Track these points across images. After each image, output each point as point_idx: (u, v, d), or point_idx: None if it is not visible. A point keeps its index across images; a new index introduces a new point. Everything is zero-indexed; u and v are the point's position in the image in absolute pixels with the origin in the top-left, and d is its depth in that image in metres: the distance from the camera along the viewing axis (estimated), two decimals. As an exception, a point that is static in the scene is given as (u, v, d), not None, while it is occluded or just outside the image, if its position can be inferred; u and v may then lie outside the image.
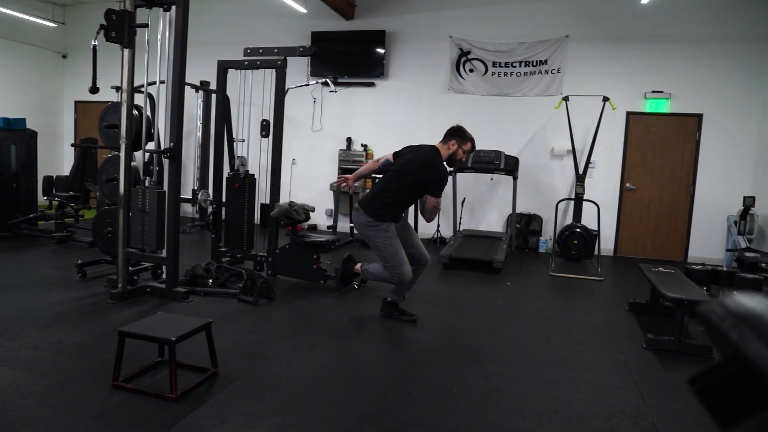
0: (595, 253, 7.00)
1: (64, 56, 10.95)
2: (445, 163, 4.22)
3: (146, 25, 4.59)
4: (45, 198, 7.38)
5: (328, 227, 8.10)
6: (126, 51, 4.44)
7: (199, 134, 8.84)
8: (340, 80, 8.70)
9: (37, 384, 2.92)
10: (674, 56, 7.70)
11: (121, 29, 4.31)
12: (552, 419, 2.80)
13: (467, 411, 2.85)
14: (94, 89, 4.29)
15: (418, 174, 4.09)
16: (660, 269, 4.80)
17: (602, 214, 6.96)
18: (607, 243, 7.88)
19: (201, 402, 2.80)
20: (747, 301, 0.55)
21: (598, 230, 6.91)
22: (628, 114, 7.94)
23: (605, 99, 7.34)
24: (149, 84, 5.54)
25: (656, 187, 7.94)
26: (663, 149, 7.88)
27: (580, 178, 7.40)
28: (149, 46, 4.76)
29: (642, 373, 3.50)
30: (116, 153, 5.39)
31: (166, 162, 4.91)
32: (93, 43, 4.25)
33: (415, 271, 4.30)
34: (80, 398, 2.79)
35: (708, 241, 7.76)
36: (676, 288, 4.05)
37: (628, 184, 8.03)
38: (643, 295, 5.29)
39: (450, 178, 7.95)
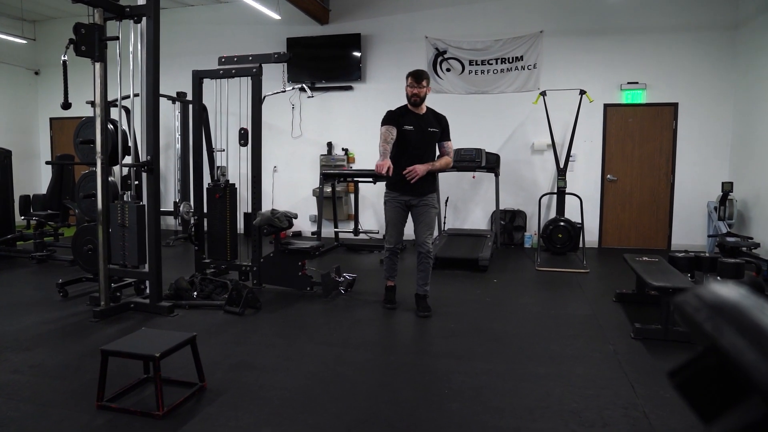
0: (580, 245, 7.04)
1: (36, 73, 10.80)
2: (410, 105, 4.48)
3: (117, 38, 4.53)
4: (22, 218, 7.24)
5: (313, 233, 8.05)
6: (98, 65, 4.38)
7: (178, 146, 8.75)
8: (317, 85, 8.67)
9: (17, 409, 2.85)
10: (647, 47, 7.79)
11: (91, 43, 4.24)
12: (544, 414, 2.79)
13: (458, 412, 2.84)
14: (66, 105, 4.22)
15: None
16: (644, 258, 4.84)
17: (585, 207, 7.01)
18: (591, 235, 7.92)
19: (189, 417, 2.76)
20: (721, 290, 0.54)
21: (582, 223, 6.94)
22: (606, 106, 8.01)
23: (582, 92, 7.40)
24: (124, 97, 5.45)
25: (637, 177, 8.01)
26: (641, 139, 7.96)
27: (561, 172, 7.44)
28: (121, 59, 4.69)
29: (631, 363, 3.51)
30: (93, 169, 5.31)
31: (144, 175, 4.86)
32: (63, 58, 4.18)
33: (419, 260, 4.58)
34: (64, 421, 2.73)
35: (690, 228, 7.85)
36: (661, 276, 4.08)
37: (609, 176, 8.09)
38: (629, 285, 5.32)
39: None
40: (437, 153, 4.63)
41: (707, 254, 4.93)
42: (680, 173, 7.85)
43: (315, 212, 8.74)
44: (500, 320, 4.54)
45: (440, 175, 7.89)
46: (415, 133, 4.38)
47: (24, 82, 10.63)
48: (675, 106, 7.79)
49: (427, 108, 4.54)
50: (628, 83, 7.86)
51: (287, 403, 2.94)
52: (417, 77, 4.37)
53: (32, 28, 10.53)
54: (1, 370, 3.37)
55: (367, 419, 2.77)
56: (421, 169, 4.29)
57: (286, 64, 8.37)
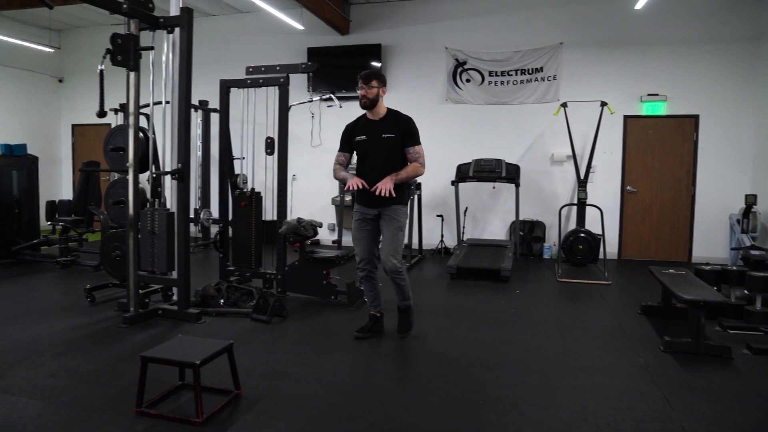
0: (601, 257, 7.03)
1: (60, 80, 10.96)
2: (366, 112, 4.14)
3: (152, 48, 4.60)
4: (48, 223, 7.34)
5: (333, 242, 8.08)
6: (132, 74, 4.45)
7: (199, 153, 8.83)
8: (337, 95, 8.72)
9: (59, 414, 2.89)
10: (668, 59, 7.79)
11: (126, 53, 4.31)
12: (581, 427, 2.79)
13: (496, 423, 2.84)
14: (101, 113, 4.28)
15: None
16: (670, 271, 4.82)
17: (605, 218, 6.99)
18: (611, 247, 7.89)
19: (228, 425, 2.78)
20: None
21: (603, 234, 6.93)
22: (626, 117, 8.00)
23: (603, 104, 7.40)
24: (145, 106, 5.51)
25: (657, 188, 7.99)
26: (661, 151, 7.94)
27: (581, 183, 7.43)
28: (154, 68, 4.77)
29: (663, 377, 3.50)
30: (122, 176, 5.39)
31: (168, 182, 4.92)
32: (100, 67, 4.24)
33: (389, 277, 4.16)
34: (105, 427, 2.76)
35: (711, 241, 7.80)
36: (690, 289, 4.07)
37: (628, 187, 8.07)
38: (653, 297, 5.31)
39: (452, 188, 8.00)
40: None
41: (734, 267, 4.91)
42: (701, 185, 7.81)
43: (333, 221, 8.79)
44: (527, 331, 4.53)
45: (460, 185, 7.94)
46: (368, 142, 4.01)
47: (48, 89, 10.79)
48: (696, 118, 7.77)
49: (389, 111, 4.09)
50: (649, 95, 7.85)
51: (323, 412, 2.96)
52: (364, 77, 3.97)
53: (57, 37, 10.71)
54: (39, 374, 3.42)
55: (404, 429, 2.78)
56: (386, 185, 3.80)
57: (310, 74, 8.44)
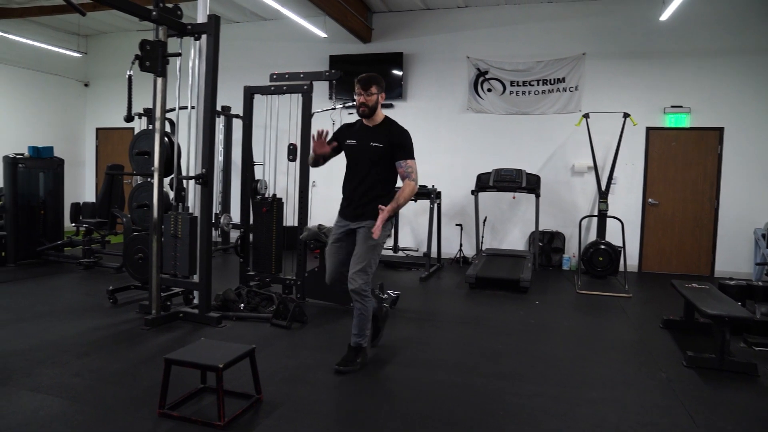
0: (621, 269, 6.96)
1: (86, 84, 11.17)
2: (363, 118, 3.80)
3: (179, 54, 4.68)
4: (72, 224, 7.46)
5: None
6: (159, 80, 4.53)
7: (221, 158, 8.93)
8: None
9: (84, 413, 2.94)
10: (692, 70, 7.71)
11: (155, 59, 4.39)
12: (603, 441, 2.77)
13: (516, 434, 2.83)
14: (129, 118, 4.36)
15: None
16: (694, 285, 4.76)
17: (625, 230, 6.92)
18: (631, 259, 7.81)
19: (249, 429, 2.80)
20: None
21: (623, 246, 6.86)
22: (648, 129, 7.94)
23: (626, 115, 7.35)
24: (170, 110, 5.59)
25: (679, 201, 7.90)
26: (684, 164, 7.86)
27: (603, 195, 7.37)
28: (181, 74, 4.84)
29: (686, 392, 3.45)
30: (147, 179, 5.47)
31: (191, 187, 4.98)
32: (129, 72, 4.33)
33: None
34: (129, 427, 2.80)
35: (735, 255, 7.68)
36: (715, 304, 4.01)
37: (650, 199, 7.99)
38: (675, 311, 5.24)
39: (471, 198, 7.99)
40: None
41: (760, 283, 4.84)
42: (725, 199, 7.71)
43: (352, 227, 8.81)
44: (547, 342, 4.50)
45: (480, 195, 7.93)
46: (356, 147, 3.72)
47: (74, 93, 11.00)
48: (720, 130, 7.68)
49: (385, 120, 3.76)
50: (672, 107, 7.78)
51: (343, 419, 2.97)
52: (363, 83, 3.64)
53: (85, 42, 10.93)
54: (64, 373, 3.48)
55: (424, 438, 2.78)
56: (387, 209, 3.51)
57: (333, 81, 8.49)
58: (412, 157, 3.69)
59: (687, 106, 7.73)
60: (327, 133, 3.71)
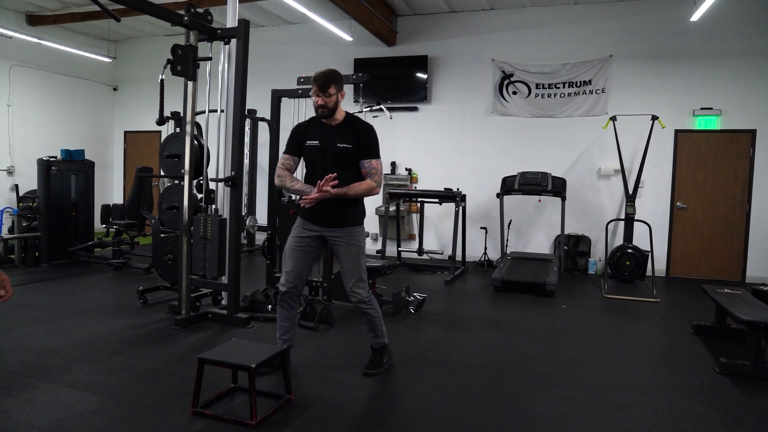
0: (648, 274, 6.86)
1: (114, 89, 11.39)
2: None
3: (210, 59, 4.75)
4: (102, 226, 7.61)
5: (377, 252, 8.13)
6: (190, 84, 4.60)
7: (247, 161, 9.02)
8: (383, 105, 8.81)
9: (120, 410, 3.00)
10: (723, 71, 7.58)
11: (186, 63, 4.46)
12: (636, 447, 2.74)
13: (547, 438, 2.81)
14: (162, 121, 4.44)
15: None
16: (726, 290, 4.68)
17: (653, 234, 6.82)
18: (659, 263, 7.69)
19: (281, 429, 2.83)
20: None
21: (651, 251, 6.77)
22: (677, 132, 7.82)
23: (654, 118, 7.26)
24: (200, 113, 5.67)
25: (709, 205, 7.76)
26: (714, 167, 7.72)
27: (630, 198, 7.29)
28: (210, 78, 4.92)
29: (720, 399, 3.40)
30: (176, 182, 5.56)
31: (220, 189, 5.04)
32: (161, 77, 4.41)
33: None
34: (163, 424, 2.85)
35: (767, 260, 7.52)
36: (749, 310, 3.94)
37: (678, 203, 7.87)
38: (705, 316, 5.16)
39: (496, 201, 7.97)
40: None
41: (794, 289, 4.74)
42: (757, 202, 7.55)
43: (376, 230, 8.84)
44: (574, 346, 4.46)
45: (505, 198, 7.89)
46: (319, 150, 3.42)
47: (103, 97, 11.22)
48: (752, 132, 7.54)
49: (347, 117, 3.50)
50: (702, 109, 7.66)
51: (373, 420, 2.98)
52: (321, 84, 3.32)
53: (114, 48, 11.14)
54: (99, 371, 3.55)
55: (455, 440, 2.78)
56: (331, 192, 3.27)
57: (360, 85, 8.55)
58: (378, 157, 3.47)
59: (717, 108, 7.60)
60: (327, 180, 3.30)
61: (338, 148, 3.39)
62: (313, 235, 3.51)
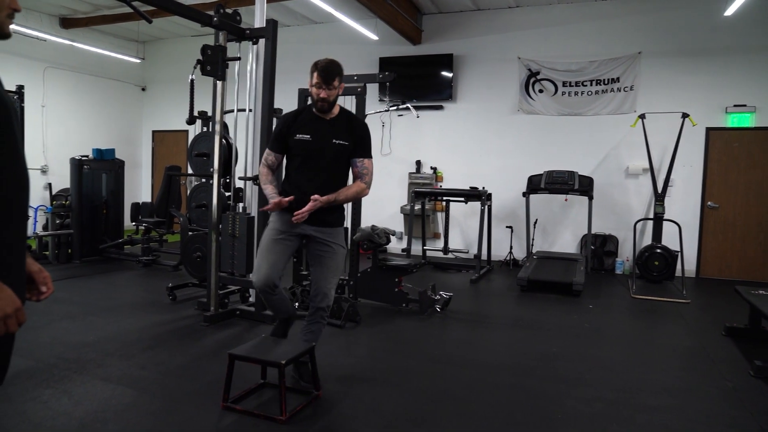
0: (678, 274, 6.75)
1: (143, 89, 11.60)
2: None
3: (239, 59, 4.81)
4: (132, 223, 7.76)
5: (403, 250, 8.13)
6: (219, 83, 4.67)
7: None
8: (409, 104, 8.81)
9: (152, 404, 3.06)
10: (757, 68, 7.41)
11: (215, 63, 4.52)
12: (668, 449, 2.70)
13: (577, 439, 2.79)
14: (191, 120, 4.51)
15: None
16: (761, 292, 4.58)
17: (683, 234, 6.69)
18: (688, 264, 7.54)
19: (310, 425, 2.86)
20: None
21: (681, 251, 6.65)
22: (708, 130, 7.67)
23: (685, 115, 7.12)
24: (228, 111, 5.74)
25: (741, 204, 7.60)
26: (748, 165, 7.55)
27: (659, 198, 7.17)
28: (239, 77, 4.98)
29: (756, 403, 3.33)
30: (205, 180, 5.64)
31: (249, 188, 5.10)
32: (191, 77, 4.48)
33: (312, 315, 3.30)
34: (195, 418, 2.90)
35: (801, 261, 7.35)
36: (785, 312, 3.85)
37: (709, 203, 7.72)
38: (737, 318, 5.04)
39: (522, 200, 7.91)
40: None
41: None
42: (791, 202, 7.38)
43: (401, 229, 8.85)
44: (603, 347, 4.42)
45: (531, 197, 7.83)
46: (312, 145, 3.13)
47: (132, 97, 11.44)
48: (787, 130, 7.37)
49: (341, 110, 3.25)
50: (735, 106, 7.50)
51: (401, 417, 2.99)
52: (326, 75, 3.07)
53: (143, 48, 11.35)
54: (132, 365, 3.63)
55: (483, 439, 2.77)
56: (314, 205, 3.00)
57: (386, 84, 8.56)
58: (371, 157, 3.27)
59: (751, 105, 7.43)
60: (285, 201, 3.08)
61: (333, 145, 3.15)
62: (296, 233, 3.19)
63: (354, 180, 3.26)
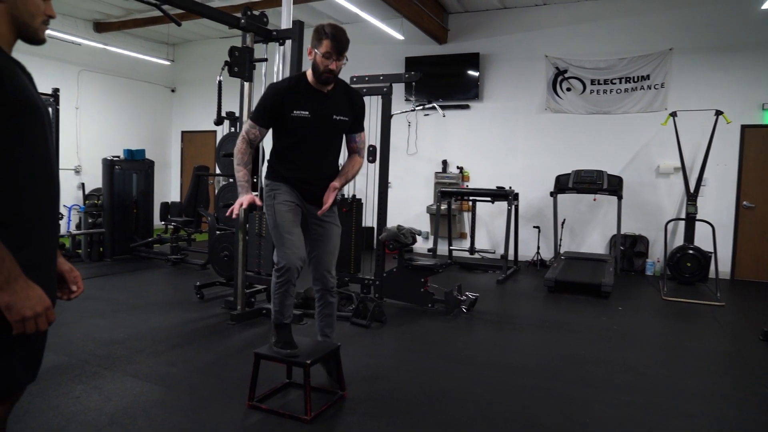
0: (711, 276, 6.58)
1: (172, 90, 11.79)
2: (314, 80, 2.92)
3: (266, 60, 4.85)
4: (161, 223, 7.89)
5: (429, 250, 8.10)
6: (246, 84, 4.71)
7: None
8: (435, 104, 8.78)
9: (180, 401, 3.10)
10: (795, 64, 7.19)
11: (243, 65, 4.57)
12: (701, 456, 2.63)
13: (606, 443, 2.74)
14: (219, 121, 4.56)
15: None
16: (798, 295, 4.43)
17: (716, 235, 6.52)
18: (722, 265, 7.36)
19: (335, 424, 2.86)
20: None
21: (714, 252, 6.48)
22: (743, 127, 7.46)
23: (718, 113, 6.94)
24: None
25: (778, 204, 7.38)
26: (785, 164, 7.33)
27: (691, 197, 7.00)
28: (266, 78, 5.01)
29: (793, 410, 3.22)
30: (232, 180, 5.70)
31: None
32: (219, 78, 4.53)
33: (320, 300, 3.19)
34: (222, 416, 2.92)
35: (842, 264, 7.10)
36: (824, 316, 3.71)
37: (745, 202, 7.51)
38: (776, 322, 4.90)
39: (550, 199, 7.80)
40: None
41: None
42: (831, 202, 7.13)
43: (427, 229, 8.82)
44: (632, 350, 4.33)
45: (559, 197, 7.73)
46: (311, 122, 2.89)
47: (162, 98, 11.65)
48: (827, 128, 7.12)
49: (339, 83, 3.03)
50: (772, 103, 7.29)
51: (427, 418, 2.97)
52: (340, 46, 2.82)
53: (172, 51, 11.54)
54: (160, 363, 3.68)
55: (510, 442, 2.74)
56: (330, 200, 2.97)
57: (410, 83, 8.55)
58: (364, 129, 3.18)
59: (789, 101, 7.22)
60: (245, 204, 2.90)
61: (334, 122, 2.96)
62: (302, 211, 3.04)
63: (349, 154, 3.14)
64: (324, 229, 3.07)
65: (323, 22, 2.94)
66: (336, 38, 2.80)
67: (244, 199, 2.87)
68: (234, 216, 2.93)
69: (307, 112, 2.88)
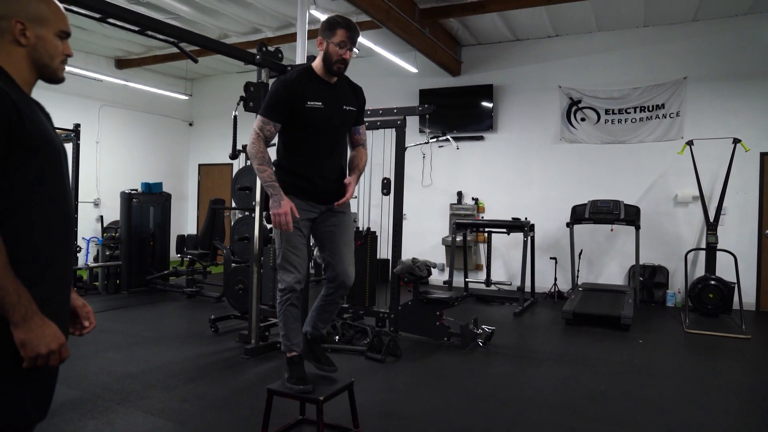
0: (735, 307, 6.42)
1: (190, 124, 12.01)
2: (324, 71, 2.86)
3: (280, 95, 4.91)
4: (177, 255, 7.94)
5: (445, 282, 8.03)
6: (261, 119, 4.76)
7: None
8: (449, 135, 8.82)
9: (192, 438, 3.06)
10: (813, 91, 7.12)
11: (258, 99, 4.63)
12: (731, 500, 2.52)
13: (630, 485, 2.63)
14: (234, 155, 4.61)
15: None
16: (826, 328, 4.29)
17: (739, 265, 6.38)
18: (747, 296, 7.17)
19: (348, 463, 2.80)
20: None
21: (738, 282, 6.33)
22: (762, 155, 7.37)
23: (736, 141, 6.87)
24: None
25: (802, 234, 7.22)
26: (807, 192, 7.20)
27: (711, 227, 6.88)
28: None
29: (826, 449, 3.09)
30: (247, 213, 5.73)
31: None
32: (234, 113, 4.60)
33: (330, 296, 3.00)
34: (234, 454, 2.88)
35: None
36: None
37: (767, 231, 7.37)
38: (804, 356, 4.75)
39: (566, 230, 7.73)
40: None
41: None
42: None
43: (443, 261, 8.76)
44: (655, 385, 4.20)
45: (576, 227, 7.66)
46: (325, 111, 2.83)
47: (179, 132, 11.87)
48: None
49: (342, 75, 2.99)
50: (791, 130, 7.20)
51: (442, 457, 2.90)
52: (354, 35, 2.82)
53: (190, 86, 11.80)
54: (173, 398, 3.65)
55: (529, 484, 2.65)
56: (354, 187, 2.92)
57: (426, 116, 8.61)
58: (365, 122, 3.18)
59: (808, 128, 7.13)
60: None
61: (344, 112, 2.92)
62: (313, 217, 2.92)
63: (354, 147, 3.07)
64: (337, 218, 2.96)
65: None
66: (350, 27, 2.81)
67: (286, 207, 2.68)
68: (291, 229, 2.72)
69: (320, 103, 2.82)
